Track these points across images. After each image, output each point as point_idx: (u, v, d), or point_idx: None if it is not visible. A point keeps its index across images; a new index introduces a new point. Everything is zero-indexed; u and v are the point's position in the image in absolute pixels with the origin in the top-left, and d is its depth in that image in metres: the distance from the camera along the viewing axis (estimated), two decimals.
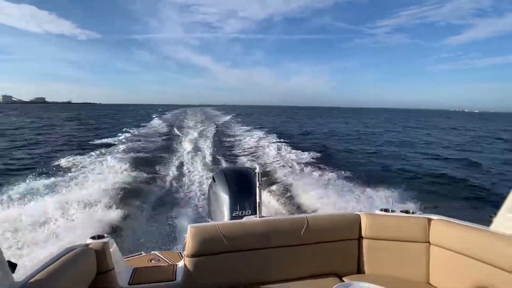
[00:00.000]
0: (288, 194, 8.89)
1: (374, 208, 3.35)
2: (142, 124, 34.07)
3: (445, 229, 2.57)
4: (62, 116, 57.88)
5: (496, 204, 2.42)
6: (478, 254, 2.28)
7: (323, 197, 8.12)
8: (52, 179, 9.29)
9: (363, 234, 2.82)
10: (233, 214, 3.67)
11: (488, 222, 2.42)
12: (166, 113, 62.95)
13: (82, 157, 13.42)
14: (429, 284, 2.63)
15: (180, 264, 2.67)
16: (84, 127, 34.78)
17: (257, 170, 2.77)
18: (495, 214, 2.36)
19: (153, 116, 48.59)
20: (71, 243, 2.14)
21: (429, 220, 2.68)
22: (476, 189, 11.15)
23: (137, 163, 11.97)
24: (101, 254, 2.14)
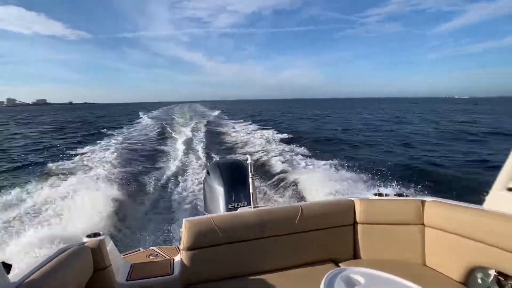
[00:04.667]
0: (285, 183, 9.00)
1: (369, 192, 3.39)
2: (135, 122, 34.21)
3: (438, 210, 2.59)
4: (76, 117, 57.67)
5: (487, 182, 2.44)
6: (473, 233, 2.30)
7: (319, 184, 8.25)
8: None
9: (357, 219, 2.84)
10: (229, 206, 3.68)
11: (481, 201, 2.45)
12: (158, 110, 63.01)
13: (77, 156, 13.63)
14: (425, 265, 2.66)
15: (177, 258, 2.69)
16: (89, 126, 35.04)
17: (248, 161, 2.78)
18: (487, 192, 2.38)
19: (143, 114, 48.40)
20: (67, 242, 2.14)
21: (423, 202, 2.70)
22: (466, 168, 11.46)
23: (131, 160, 12.03)
24: (97, 252, 2.13)
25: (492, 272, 2.28)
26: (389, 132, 23.90)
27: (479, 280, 2.35)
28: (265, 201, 7.90)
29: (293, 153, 13.29)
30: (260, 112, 60.99)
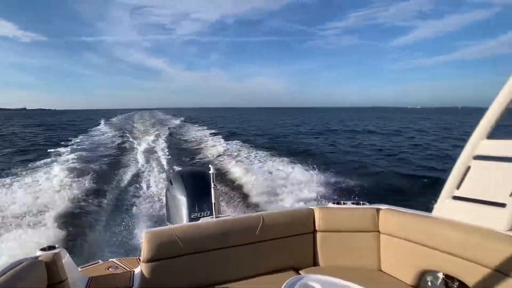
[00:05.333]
0: (249, 192, 9.07)
1: (328, 201, 3.52)
2: (91, 130, 33.01)
3: (392, 218, 2.73)
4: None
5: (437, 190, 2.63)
6: (423, 239, 2.45)
7: (282, 192, 8.44)
8: None
9: (317, 227, 2.92)
10: (192, 216, 3.66)
11: (430, 208, 2.62)
12: (118, 117, 61.20)
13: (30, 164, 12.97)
14: (381, 271, 2.79)
15: (137, 270, 2.64)
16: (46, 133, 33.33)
17: (211, 171, 2.78)
18: (436, 200, 2.55)
19: (102, 121, 46.79)
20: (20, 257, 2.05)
21: (378, 210, 2.84)
22: (419, 177, 12.17)
23: (89, 170, 11.59)
24: (52, 265, 2.05)
25: (441, 275, 2.44)
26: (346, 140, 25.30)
27: (429, 283, 2.51)
28: (232, 209, 7.98)
29: (256, 159, 13.56)
30: (224, 119, 61.30)
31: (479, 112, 2.28)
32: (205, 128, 33.85)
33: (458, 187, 2.37)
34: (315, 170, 11.05)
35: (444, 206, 2.46)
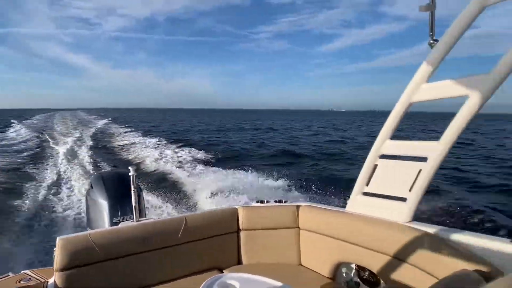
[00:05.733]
0: (177, 193, 9.04)
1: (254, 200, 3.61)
2: (4, 131, 29.97)
3: (310, 214, 2.88)
4: None
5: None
6: (338, 233, 2.62)
7: (212, 192, 8.50)
8: None
9: (240, 226, 2.98)
10: (114, 221, 3.50)
11: (345, 204, 2.82)
12: (35, 117, 56.25)
13: None
14: (301, 265, 2.93)
15: (51, 280, 2.47)
16: None
17: (131, 173, 2.68)
18: (349, 197, 2.76)
19: (16, 123, 42.60)
20: None
21: (298, 206, 2.97)
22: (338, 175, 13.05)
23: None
24: None
25: (354, 266, 2.64)
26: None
27: (344, 274, 2.70)
28: (158, 212, 7.80)
29: (186, 161, 13.52)
30: (153, 120, 59.62)
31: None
32: (132, 129, 33.00)
33: (367, 183, 2.58)
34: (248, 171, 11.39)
35: (356, 201, 2.67)
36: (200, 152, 16.60)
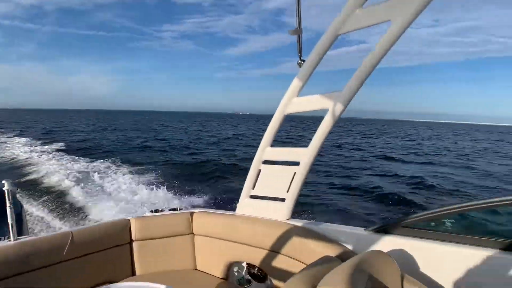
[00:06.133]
0: (64, 206, 8.46)
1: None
2: None
3: (204, 220, 3.01)
4: None
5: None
6: (229, 236, 2.80)
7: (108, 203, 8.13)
8: None
9: (133, 237, 2.95)
10: None
11: (234, 207, 3.00)
12: None
13: None
14: (196, 269, 3.03)
15: None
16: None
17: (5, 188, 2.45)
18: (238, 200, 2.95)
19: None
20: None
21: (192, 213, 3.07)
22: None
23: None
24: None
25: (244, 264, 2.84)
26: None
27: (236, 273, 2.89)
28: (45, 226, 7.19)
29: (75, 170, 12.75)
30: (42, 123, 54.06)
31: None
32: (14, 135, 29.61)
33: (253, 187, 2.81)
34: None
35: (244, 204, 2.88)
36: (97, 161, 15.84)
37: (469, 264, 1.85)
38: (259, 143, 2.68)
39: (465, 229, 2.08)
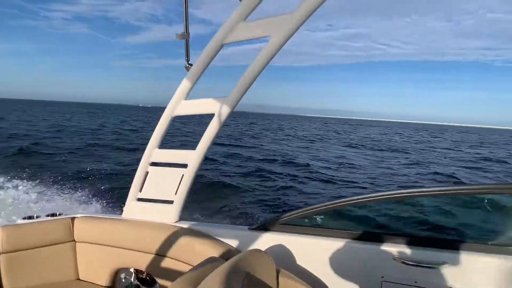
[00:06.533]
0: None
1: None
2: None
3: (87, 225, 2.81)
4: None
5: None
6: (115, 241, 2.67)
7: None
8: None
9: (1, 249, 2.64)
10: None
11: (120, 211, 2.89)
12: None
13: None
14: (79, 279, 2.82)
15: None
16: None
17: None
18: (125, 203, 2.85)
19: None
20: None
21: (73, 219, 2.83)
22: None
23: None
24: None
25: (132, 270, 2.76)
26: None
27: (123, 280, 2.79)
28: None
29: None
30: None
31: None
32: None
33: (140, 190, 2.73)
34: None
35: (131, 208, 2.78)
36: None
37: (329, 254, 2.20)
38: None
39: (330, 223, 2.42)
